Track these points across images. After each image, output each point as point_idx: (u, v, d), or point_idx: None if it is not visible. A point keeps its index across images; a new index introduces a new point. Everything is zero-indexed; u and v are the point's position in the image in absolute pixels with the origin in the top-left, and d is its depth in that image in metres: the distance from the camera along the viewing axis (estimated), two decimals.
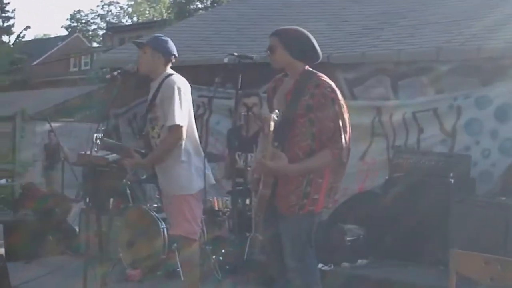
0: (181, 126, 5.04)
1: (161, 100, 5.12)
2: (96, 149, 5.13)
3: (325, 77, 4.20)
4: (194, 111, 5.31)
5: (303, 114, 4.12)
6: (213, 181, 5.41)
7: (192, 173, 5.16)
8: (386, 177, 7.06)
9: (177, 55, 5.33)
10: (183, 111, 5.05)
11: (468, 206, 6.16)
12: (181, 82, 5.16)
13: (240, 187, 6.29)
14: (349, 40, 8.95)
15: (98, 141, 5.05)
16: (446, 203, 6.26)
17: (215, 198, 7.05)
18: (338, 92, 4.15)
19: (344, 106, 4.14)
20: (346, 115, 4.12)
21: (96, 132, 5.07)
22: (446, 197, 6.33)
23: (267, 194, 4.17)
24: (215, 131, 8.99)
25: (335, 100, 4.09)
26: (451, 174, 6.51)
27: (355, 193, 7.55)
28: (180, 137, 5.06)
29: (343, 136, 4.08)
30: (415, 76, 7.89)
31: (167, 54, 5.25)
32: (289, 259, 4.24)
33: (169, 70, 5.28)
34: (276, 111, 3.99)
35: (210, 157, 5.97)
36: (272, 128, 3.92)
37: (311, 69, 4.29)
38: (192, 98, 5.31)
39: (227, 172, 6.89)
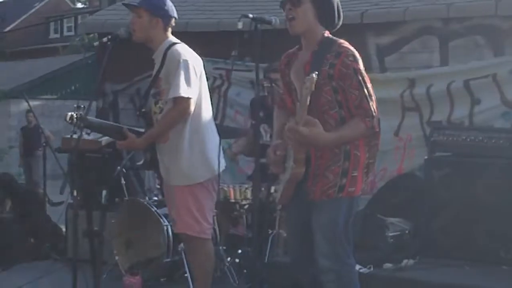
0: (188, 98, 5.06)
1: (166, 74, 5.16)
2: (72, 130, 5.11)
3: (347, 44, 4.32)
4: (209, 84, 5.33)
5: (325, 83, 4.25)
6: (224, 166, 5.40)
7: (199, 157, 5.19)
8: (426, 157, 7.04)
9: (177, 17, 5.33)
10: (191, 85, 5.08)
11: None
12: (188, 55, 5.18)
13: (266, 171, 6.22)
14: None
15: (73, 120, 4.98)
16: (510, 191, 6.22)
17: (230, 186, 7.02)
18: (360, 61, 4.28)
19: (366, 76, 4.28)
20: (369, 84, 4.28)
21: (75, 110, 5.02)
22: (509, 183, 6.29)
23: (301, 172, 4.24)
24: (235, 102, 9.17)
25: (356, 69, 4.24)
26: None
27: (394, 176, 7.57)
28: (185, 110, 5.09)
29: (371, 104, 4.23)
30: (469, 36, 7.84)
31: (166, 17, 5.26)
32: (323, 258, 4.28)
33: (171, 37, 5.30)
34: (316, 72, 4.03)
35: (227, 132, 5.95)
36: (313, 89, 4.01)
37: (330, 36, 4.39)
38: (206, 70, 5.34)
39: (249, 149, 6.85)
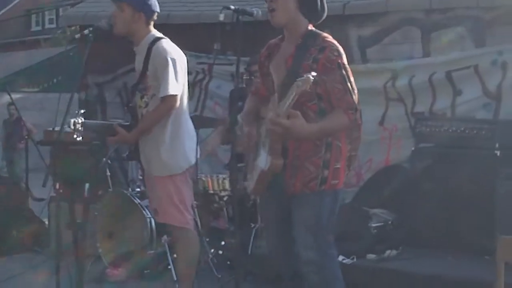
0: (175, 95, 5.15)
1: (153, 71, 5.19)
2: (75, 136, 5.12)
3: (331, 39, 4.31)
4: (192, 78, 5.39)
5: None
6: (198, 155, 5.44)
7: (179, 148, 5.25)
8: (413, 148, 7.06)
9: (159, 11, 5.33)
10: (177, 82, 5.15)
11: None
12: (175, 53, 5.21)
13: (242, 163, 6.23)
14: None
15: (76, 126, 5.02)
16: (492, 180, 6.24)
17: (208, 176, 7.03)
18: (344, 55, 4.28)
19: (349, 70, 4.28)
20: (352, 78, 4.27)
21: (75, 116, 5.05)
22: (491, 173, 6.31)
23: (279, 164, 4.20)
24: (215, 94, 9.25)
25: (341, 64, 4.23)
26: (497, 145, 6.48)
27: (381, 167, 7.60)
28: (173, 106, 5.17)
29: (354, 97, 4.22)
30: (451, 27, 7.85)
31: (149, 12, 5.25)
32: (304, 249, 4.26)
33: (153, 30, 5.31)
34: (313, 73, 4.00)
35: (205, 122, 5.97)
36: (308, 89, 3.98)
37: (314, 29, 4.38)
38: (189, 65, 5.41)
39: (226, 136, 6.86)
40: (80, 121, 5.03)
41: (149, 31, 5.29)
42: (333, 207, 4.30)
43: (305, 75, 3.94)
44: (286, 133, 4.11)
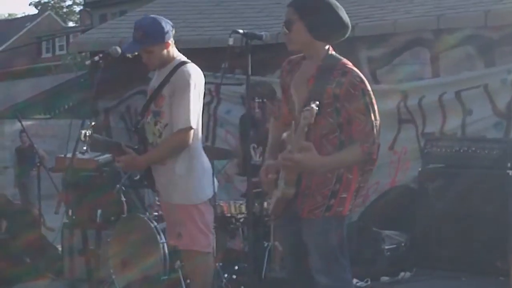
0: (191, 128, 5.06)
1: (171, 93, 5.11)
2: (85, 148, 5.10)
3: (351, 65, 4.24)
4: None
5: (329, 104, 4.16)
6: (217, 185, 5.40)
7: (195, 181, 5.18)
8: (419, 169, 7.04)
9: (173, 27, 5.30)
10: (195, 114, 5.07)
11: None
12: (197, 75, 5.15)
13: (258, 189, 6.26)
14: (378, 6, 8.92)
15: (87, 138, 4.98)
16: (505, 201, 6.23)
17: (226, 202, 7.05)
18: (366, 82, 4.21)
19: (373, 97, 4.19)
20: (376, 107, 4.19)
21: (84, 128, 5.02)
22: (503, 193, 6.29)
23: (291, 193, 4.19)
24: (225, 121, 9.06)
25: (365, 91, 4.16)
26: (509, 165, 6.47)
27: (387, 188, 7.57)
28: (188, 141, 5.08)
29: (375, 130, 4.14)
30: (460, 47, 7.85)
31: (170, 35, 5.20)
32: (318, 274, 4.24)
33: (177, 53, 5.26)
34: (317, 102, 4.00)
35: (218, 153, 5.93)
36: (312, 122, 3.98)
37: (334, 53, 4.30)
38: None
39: (241, 169, 6.88)
40: (88, 133, 4.95)
41: (177, 54, 5.24)
42: (339, 232, 4.26)
43: (310, 105, 3.95)
44: (297, 167, 4.11)
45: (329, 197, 4.20)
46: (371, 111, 4.14)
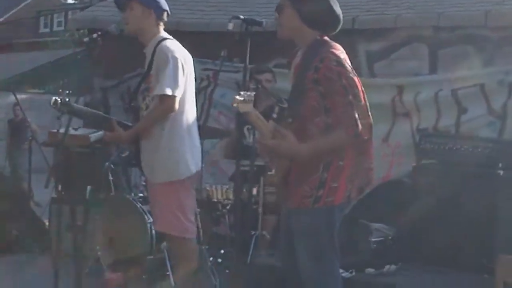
0: (173, 96, 5.06)
1: (156, 70, 5.15)
2: (60, 114, 5.09)
3: (335, 49, 4.21)
4: (196, 85, 5.33)
5: (312, 88, 4.16)
6: (199, 166, 5.41)
7: (179, 153, 5.18)
8: (413, 164, 7.06)
9: (169, 12, 5.34)
10: (178, 83, 5.07)
11: None
12: (178, 51, 5.17)
13: (246, 171, 6.22)
14: (380, 0, 8.93)
15: (58, 104, 4.95)
16: (493, 200, 6.24)
17: (213, 186, 7.05)
18: (347, 65, 4.17)
19: (355, 79, 4.16)
20: (357, 89, 4.14)
21: (58, 95, 5.00)
22: (493, 192, 6.30)
23: (273, 180, 4.22)
24: (219, 104, 9.17)
25: (341, 73, 4.12)
26: (500, 165, 6.48)
27: (380, 182, 7.59)
28: (170, 109, 5.08)
29: (355, 111, 4.08)
30: (459, 45, 7.87)
31: (159, 9, 5.26)
32: (303, 264, 4.25)
33: (163, 32, 5.30)
34: (248, 93, 4.10)
35: (209, 132, 5.92)
36: (240, 110, 4.07)
37: (322, 38, 4.29)
38: (195, 71, 5.35)
39: (231, 151, 6.87)
40: (61, 100, 4.95)
41: (159, 31, 5.28)
42: (328, 223, 4.23)
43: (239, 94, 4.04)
44: (274, 154, 4.11)
45: (317, 188, 4.17)
46: (349, 93, 4.09)
